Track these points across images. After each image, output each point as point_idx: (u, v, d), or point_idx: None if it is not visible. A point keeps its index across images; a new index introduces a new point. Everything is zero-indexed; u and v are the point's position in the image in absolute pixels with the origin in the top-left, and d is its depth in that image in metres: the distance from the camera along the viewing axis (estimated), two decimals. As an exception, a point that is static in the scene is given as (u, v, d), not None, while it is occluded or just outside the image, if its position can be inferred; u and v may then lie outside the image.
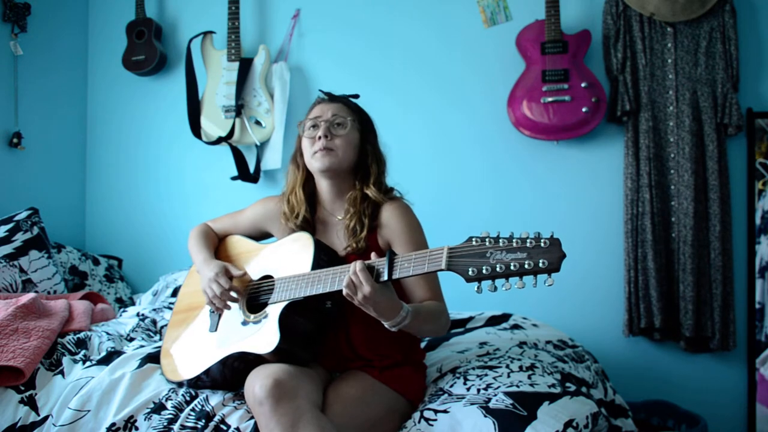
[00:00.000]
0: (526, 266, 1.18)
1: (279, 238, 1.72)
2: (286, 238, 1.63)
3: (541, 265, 1.17)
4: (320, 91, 1.74)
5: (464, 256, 1.24)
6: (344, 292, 1.36)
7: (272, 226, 1.76)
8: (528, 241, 1.19)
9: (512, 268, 1.19)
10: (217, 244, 1.81)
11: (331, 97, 1.70)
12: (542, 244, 1.18)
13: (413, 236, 1.60)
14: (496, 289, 1.22)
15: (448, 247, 1.27)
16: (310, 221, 1.68)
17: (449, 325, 1.62)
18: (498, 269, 1.20)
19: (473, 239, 1.25)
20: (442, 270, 1.27)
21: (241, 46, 2.86)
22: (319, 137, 1.60)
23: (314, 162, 1.62)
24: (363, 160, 1.67)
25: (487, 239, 1.23)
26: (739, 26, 2.51)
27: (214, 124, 2.82)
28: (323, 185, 1.68)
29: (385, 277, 1.33)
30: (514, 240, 1.21)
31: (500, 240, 1.22)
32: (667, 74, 2.53)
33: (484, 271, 1.21)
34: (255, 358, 1.49)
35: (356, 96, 1.74)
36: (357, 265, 1.34)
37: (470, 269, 1.22)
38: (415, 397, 1.59)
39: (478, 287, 1.24)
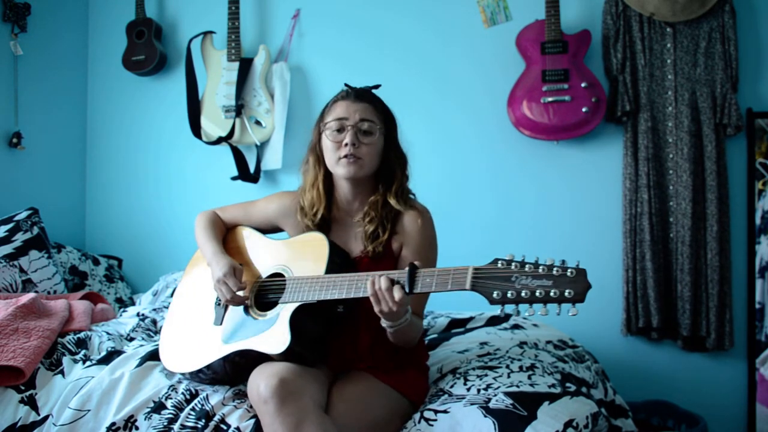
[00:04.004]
0: (551, 294, 1.18)
1: (291, 235, 1.70)
2: (299, 236, 1.61)
3: (567, 294, 1.17)
4: (346, 85, 1.66)
5: (489, 278, 1.23)
6: (376, 309, 1.37)
7: (286, 223, 1.72)
8: (555, 269, 1.19)
9: (538, 294, 1.19)
10: (225, 234, 1.77)
11: (358, 95, 1.61)
12: (568, 274, 1.18)
13: (426, 252, 1.60)
14: (519, 313, 1.22)
15: (473, 268, 1.26)
16: (327, 220, 1.65)
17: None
18: (523, 295, 1.19)
19: (499, 261, 1.24)
20: (465, 290, 1.26)
21: (241, 46, 2.86)
22: (346, 144, 1.55)
23: (338, 168, 1.57)
24: (386, 165, 1.63)
25: (513, 263, 1.22)
26: (739, 26, 2.51)
27: (214, 124, 2.82)
28: (343, 186, 1.63)
29: (406, 291, 1.34)
30: (540, 266, 1.20)
31: (526, 265, 1.21)
32: (667, 75, 2.54)
33: (509, 296, 1.21)
34: (258, 355, 1.48)
35: (378, 86, 1.68)
36: (383, 282, 1.35)
37: (495, 292, 1.22)
38: (418, 398, 1.59)
39: (501, 310, 1.23)
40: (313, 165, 1.66)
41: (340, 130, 1.57)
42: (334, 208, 1.67)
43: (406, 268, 1.35)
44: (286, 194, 1.74)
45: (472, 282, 1.24)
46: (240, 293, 1.57)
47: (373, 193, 1.63)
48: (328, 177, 1.65)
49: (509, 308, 1.23)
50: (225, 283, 1.55)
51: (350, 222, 1.65)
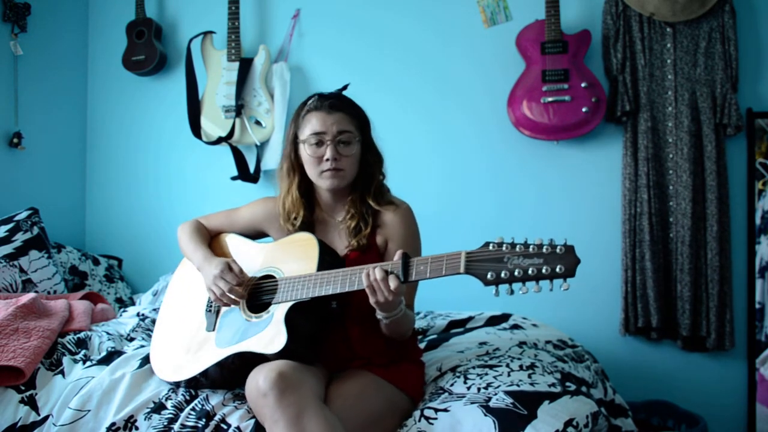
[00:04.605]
0: (543, 271, 1.22)
1: (276, 238, 1.72)
2: (288, 237, 1.63)
3: (558, 270, 1.21)
4: (318, 95, 1.65)
5: (482, 261, 1.27)
6: (372, 300, 1.40)
7: (271, 227, 1.74)
8: (544, 247, 1.23)
9: (530, 272, 1.23)
10: (210, 242, 1.78)
11: (332, 105, 1.61)
12: (558, 251, 1.22)
13: (411, 243, 1.63)
14: (512, 292, 1.25)
15: (466, 252, 1.29)
16: (309, 222, 1.68)
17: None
18: (516, 274, 1.24)
19: (490, 244, 1.28)
20: (459, 273, 1.29)
21: (241, 46, 2.86)
22: (327, 159, 1.57)
23: (321, 181, 1.61)
24: (364, 168, 1.66)
25: (503, 245, 1.27)
26: (739, 26, 2.51)
27: (214, 124, 2.82)
28: (324, 193, 1.67)
29: (401, 279, 1.37)
30: (530, 246, 1.25)
31: (516, 246, 1.26)
32: (667, 75, 2.54)
33: (502, 276, 1.25)
34: (254, 356, 1.48)
35: (346, 86, 1.69)
36: (377, 273, 1.37)
37: (489, 273, 1.26)
38: (415, 393, 1.60)
39: (495, 291, 1.27)
40: (287, 172, 1.68)
41: (319, 144, 1.59)
42: (317, 209, 1.71)
43: (399, 258, 1.38)
44: (270, 199, 1.77)
45: (466, 265, 1.28)
46: (238, 289, 1.56)
47: (352, 194, 1.66)
48: (304, 182, 1.68)
49: (503, 289, 1.26)
50: (222, 279, 1.55)
51: (333, 222, 1.69)
